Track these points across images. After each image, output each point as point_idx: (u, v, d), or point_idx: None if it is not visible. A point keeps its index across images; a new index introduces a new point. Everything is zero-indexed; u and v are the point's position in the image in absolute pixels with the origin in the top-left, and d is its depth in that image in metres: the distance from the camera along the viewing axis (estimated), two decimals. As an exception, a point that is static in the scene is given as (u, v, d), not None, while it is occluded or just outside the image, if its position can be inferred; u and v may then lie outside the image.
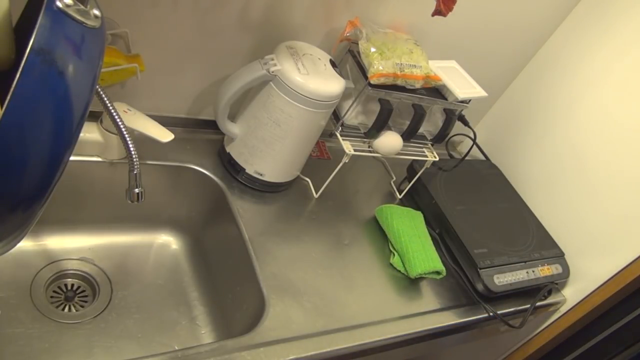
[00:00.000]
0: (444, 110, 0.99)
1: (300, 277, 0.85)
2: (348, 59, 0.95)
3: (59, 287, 0.85)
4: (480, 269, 0.97)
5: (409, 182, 1.11)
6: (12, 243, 0.48)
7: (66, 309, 0.83)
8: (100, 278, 0.88)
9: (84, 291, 0.86)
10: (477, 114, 1.34)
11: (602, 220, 1.08)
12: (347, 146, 0.93)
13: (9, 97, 0.38)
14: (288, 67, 0.82)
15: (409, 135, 0.97)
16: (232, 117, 0.91)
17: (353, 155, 0.93)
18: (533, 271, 1.03)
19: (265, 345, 0.72)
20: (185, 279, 0.94)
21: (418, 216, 1.04)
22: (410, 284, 0.95)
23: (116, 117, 0.63)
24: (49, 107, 0.40)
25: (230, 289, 0.88)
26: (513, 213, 1.16)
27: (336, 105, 0.91)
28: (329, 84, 0.85)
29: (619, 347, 1.07)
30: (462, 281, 1.00)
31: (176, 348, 0.82)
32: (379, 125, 0.93)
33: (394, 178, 1.17)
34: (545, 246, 1.10)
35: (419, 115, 0.94)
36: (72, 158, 0.44)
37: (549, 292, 1.08)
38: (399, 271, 0.96)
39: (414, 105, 0.94)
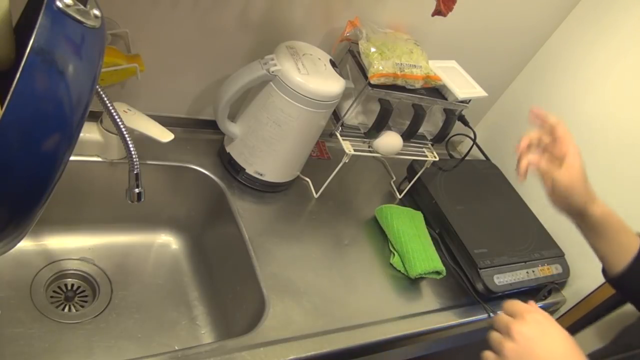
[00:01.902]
0: (444, 110, 0.99)
1: (300, 277, 0.85)
2: (348, 59, 0.95)
3: (59, 287, 0.85)
4: (480, 269, 0.97)
5: (409, 182, 1.11)
6: (12, 243, 0.48)
7: (66, 309, 0.83)
8: (100, 278, 0.88)
9: (84, 291, 0.86)
10: (477, 114, 1.34)
11: (602, 220, 1.07)
12: (347, 146, 0.93)
13: (9, 97, 0.38)
14: (288, 67, 0.82)
15: (409, 135, 0.97)
16: (232, 117, 0.91)
17: (353, 155, 0.93)
18: (533, 271, 1.03)
19: (265, 345, 0.72)
20: (185, 279, 0.94)
21: (418, 216, 1.04)
22: (410, 284, 0.95)
23: (116, 117, 0.63)
24: (49, 107, 0.40)
25: (230, 288, 0.88)
26: (513, 213, 1.16)
27: (336, 105, 0.91)
28: (329, 84, 0.85)
29: (618, 347, 1.06)
30: (462, 281, 1.00)
31: (176, 348, 0.82)
32: (379, 125, 0.93)
33: (394, 178, 1.17)
34: (545, 246, 1.10)
35: (419, 115, 0.94)
36: (72, 158, 0.44)
37: (549, 292, 1.08)
38: (399, 271, 0.96)
39: (414, 105, 0.94)
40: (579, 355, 0.57)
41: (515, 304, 0.62)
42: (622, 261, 0.77)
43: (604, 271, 0.82)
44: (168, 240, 0.98)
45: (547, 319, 0.59)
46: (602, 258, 0.81)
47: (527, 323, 0.58)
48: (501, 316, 0.61)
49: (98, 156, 0.84)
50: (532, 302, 0.62)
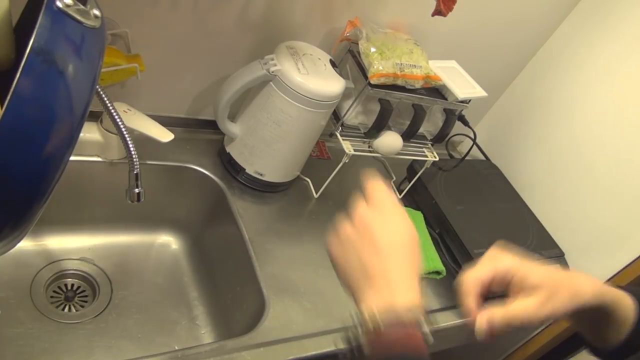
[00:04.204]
0: (444, 110, 0.99)
1: (300, 277, 0.85)
2: (348, 59, 0.95)
3: (59, 287, 0.85)
4: (480, 269, 0.97)
5: (409, 182, 1.11)
6: (12, 243, 0.48)
7: (66, 309, 0.83)
8: (100, 278, 0.88)
9: (84, 291, 0.86)
10: (477, 114, 1.34)
11: (602, 220, 1.07)
12: (347, 146, 0.93)
13: (9, 97, 0.38)
14: (288, 67, 0.82)
15: (409, 135, 0.97)
16: (232, 117, 0.91)
17: (353, 155, 0.93)
18: (533, 271, 1.03)
19: (265, 345, 0.72)
20: (185, 278, 0.94)
21: (418, 216, 1.04)
22: (410, 284, 0.95)
23: (116, 117, 0.63)
24: (49, 107, 0.40)
25: (230, 289, 0.88)
26: (513, 213, 1.16)
27: (336, 105, 0.91)
28: (329, 84, 0.85)
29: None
30: (462, 281, 1.00)
31: (176, 348, 0.82)
32: (379, 125, 0.93)
33: (394, 178, 1.17)
34: (545, 246, 1.10)
35: (419, 115, 0.94)
36: (72, 158, 0.44)
37: (549, 292, 1.08)
38: (399, 271, 0.96)
39: (414, 105, 0.94)
40: (416, 252, 0.50)
41: (373, 187, 0.52)
42: (619, 334, 0.58)
43: (594, 350, 0.62)
44: (168, 240, 0.98)
45: (395, 208, 0.51)
46: (593, 339, 0.61)
47: (373, 209, 0.51)
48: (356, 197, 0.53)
49: (98, 156, 0.84)
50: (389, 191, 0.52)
